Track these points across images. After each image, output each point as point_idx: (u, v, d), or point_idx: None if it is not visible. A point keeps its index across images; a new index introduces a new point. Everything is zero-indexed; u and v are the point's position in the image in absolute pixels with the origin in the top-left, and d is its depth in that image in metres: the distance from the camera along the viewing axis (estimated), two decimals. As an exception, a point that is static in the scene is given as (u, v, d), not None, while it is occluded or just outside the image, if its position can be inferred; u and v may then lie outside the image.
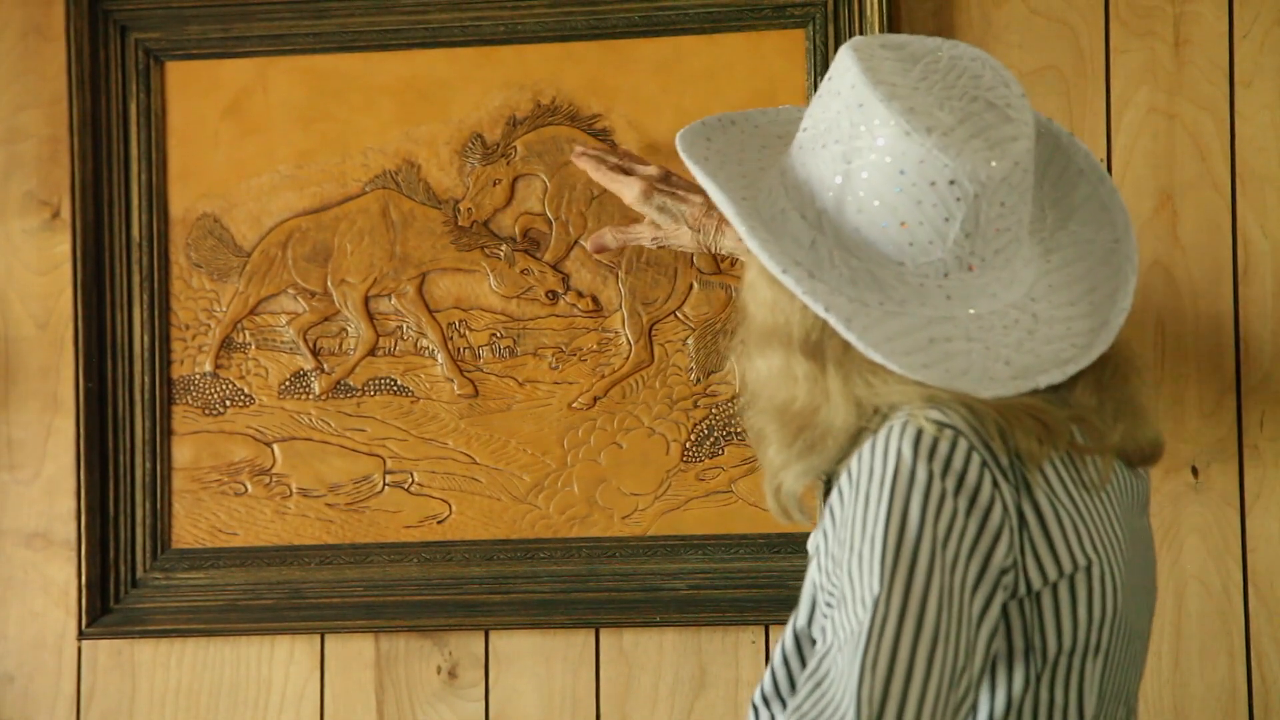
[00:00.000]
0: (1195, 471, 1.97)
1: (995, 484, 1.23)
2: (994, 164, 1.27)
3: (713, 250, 1.74)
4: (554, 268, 2.04)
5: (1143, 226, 1.98)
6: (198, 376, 2.07)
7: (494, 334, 2.04)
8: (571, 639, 2.04)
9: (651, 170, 1.79)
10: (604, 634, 2.03)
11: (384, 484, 2.05)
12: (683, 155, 1.39)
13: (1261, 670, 1.95)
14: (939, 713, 1.16)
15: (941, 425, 1.23)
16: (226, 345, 2.07)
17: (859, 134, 1.29)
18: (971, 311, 1.30)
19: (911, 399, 1.26)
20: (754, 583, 1.99)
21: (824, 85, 1.35)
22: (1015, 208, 1.30)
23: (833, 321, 1.26)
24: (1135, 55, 1.99)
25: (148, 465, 2.06)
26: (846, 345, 1.28)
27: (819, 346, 1.31)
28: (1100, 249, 1.39)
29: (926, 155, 1.26)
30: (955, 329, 1.29)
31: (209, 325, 2.07)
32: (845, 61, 1.32)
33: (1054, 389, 1.31)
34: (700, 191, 1.73)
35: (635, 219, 1.86)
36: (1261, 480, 1.96)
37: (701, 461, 2.02)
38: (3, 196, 2.11)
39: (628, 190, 1.77)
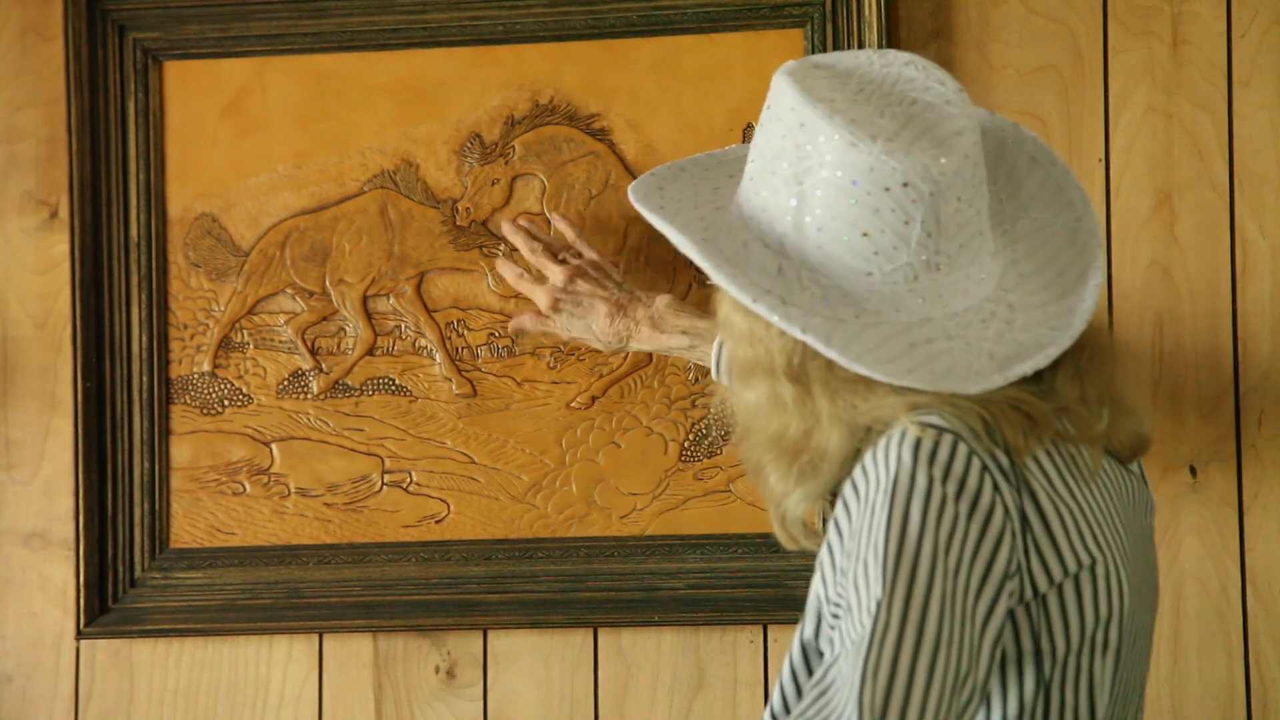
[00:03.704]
0: (1194, 471, 1.97)
1: (996, 487, 1.23)
2: (943, 160, 1.28)
3: (625, 351, 1.91)
4: (552, 267, 2.04)
5: (1141, 226, 1.98)
6: (196, 376, 2.07)
7: (492, 333, 2.04)
8: (570, 639, 2.04)
9: (559, 279, 1.87)
10: (602, 634, 2.03)
11: (382, 483, 2.05)
12: (639, 207, 1.41)
13: (1260, 670, 1.95)
14: (941, 718, 1.16)
15: (941, 430, 1.23)
16: (225, 345, 2.07)
17: (806, 154, 1.30)
18: (947, 310, 1.31)
19: (897, 410, 1.26)
20: (752, 582, 1.99)
21: (764, 114, 1.36)
22: (972, 201, 1.31)
23: (812, 341, 1.27)
24: (1133, 55, 1.99)
25: (146, 465, 2.06)
26: (829, 364, 1.29)
27: (802, 369, 1.31)
28: (1063, 231, 1.39)
29: (876, 162, 1.27)
30: (934, 330, 1.29)
31: (207, 325, 2.07)
32: (781, 86, 1.33)
33: (1038, 380, 1.31)
34: (606, 299, 1.86)
35: (629, 215, 1.90)
36: (1260, 480, 1.96)
37: (700, 461, 2.02)
38: (1, 196, 2.11)
39: (540, 299, 1.90)
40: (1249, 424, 1.96)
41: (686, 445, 2.02)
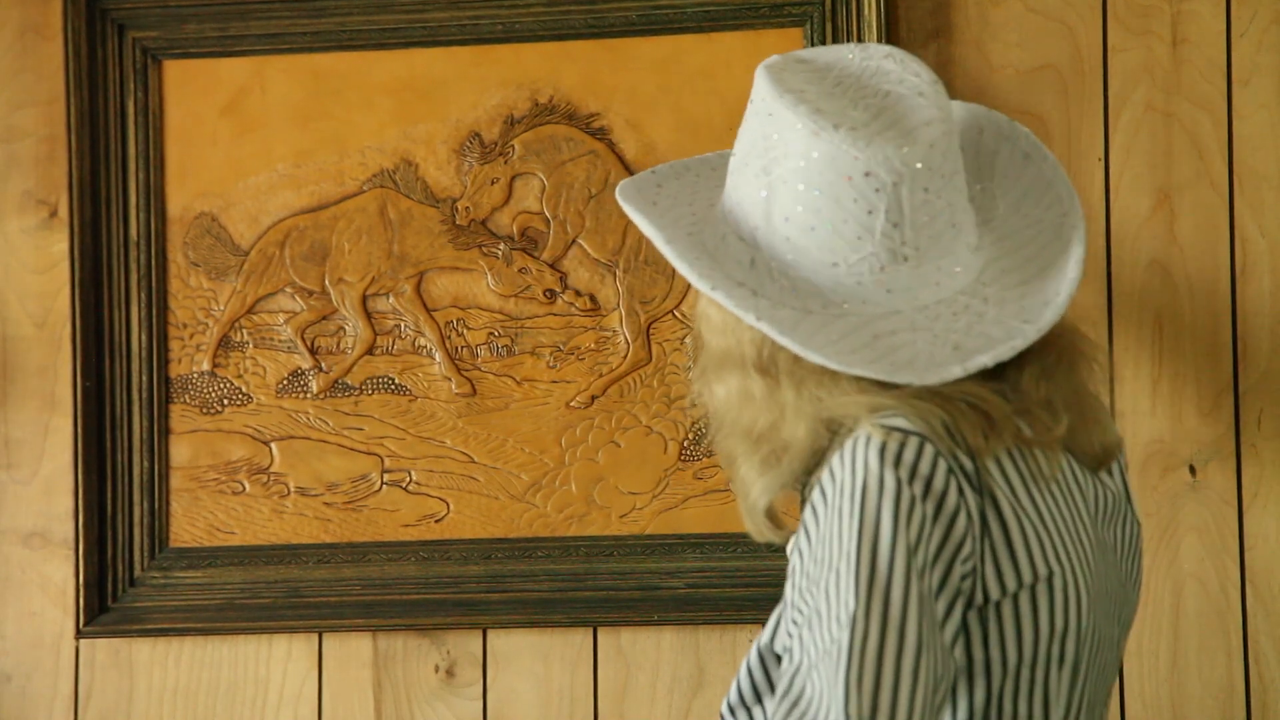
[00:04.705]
0: (1193, 470, 1.97)
1: (960, 490, 1.22)
2: (906, 149, 1.27)
3: None
4: (552, 266, 2.04)
5: (1140, 225, 1.98)
6: (195, 375, 2.07)
7: (492, 333, 2.04)
8: (569, 638, 2.03)
9: None
10: (602, 633, 2.03)
11: (382, 483, 2.05)
12: (621, 200, 1.40)
13: (1259, 669, 1.95)
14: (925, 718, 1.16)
15: (906, 433, 1.22)
16: (224, 344, 2.07)
17: (773, 144, 1.30)
18: (916, 303, 1.30)
19: (859, 410, 1.25)
20: (752, 581, 1.99)
21: (746, 109, 1.36)
22: (941, 192, 1.29)
23: (768, 331, 1.26)
24: (1133, 54, 1.99)
25: (145, 464, 2.06)
26: (796, 356, 1.28)
27: (771, 361, 1.31)
28: (1050, 226, 1.38)
29: (837, 151, 1.26)
30: (900, 322, 1.29)
31: (207, 324, 2.07)
32: (758, 79, 1.33)
33: (1002, 378, 1.30)
34: None
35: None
36: (1259, 479, 1.96)
37: (699, 460, 2.02)
38: (1, 196, 2.11)
39: None
40: (1248, 423, 1.96)
41: (686, 444, 2.02)
